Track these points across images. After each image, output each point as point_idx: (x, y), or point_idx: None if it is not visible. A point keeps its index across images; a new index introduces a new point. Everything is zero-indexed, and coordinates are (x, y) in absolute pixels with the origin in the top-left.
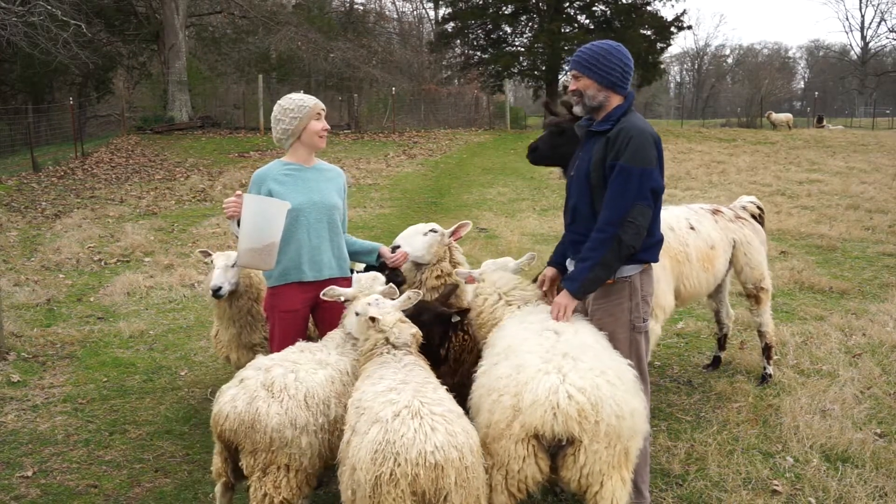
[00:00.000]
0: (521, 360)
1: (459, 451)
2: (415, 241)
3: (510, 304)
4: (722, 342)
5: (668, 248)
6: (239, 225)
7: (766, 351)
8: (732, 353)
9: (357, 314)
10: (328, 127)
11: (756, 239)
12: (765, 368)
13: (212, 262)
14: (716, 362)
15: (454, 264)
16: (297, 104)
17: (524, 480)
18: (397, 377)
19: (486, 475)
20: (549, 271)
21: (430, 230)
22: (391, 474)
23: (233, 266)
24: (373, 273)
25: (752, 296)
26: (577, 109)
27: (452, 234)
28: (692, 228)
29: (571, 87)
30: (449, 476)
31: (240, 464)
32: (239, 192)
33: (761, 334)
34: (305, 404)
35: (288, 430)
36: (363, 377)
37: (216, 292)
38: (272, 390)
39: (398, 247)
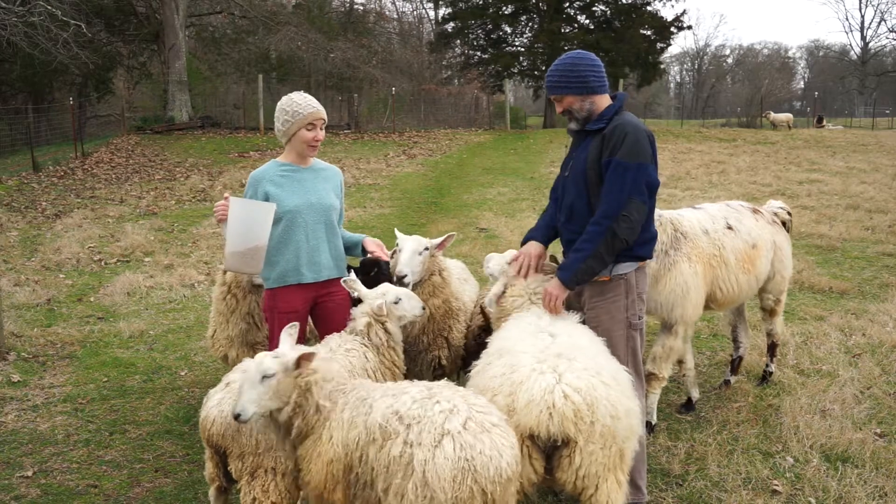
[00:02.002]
0: (514, 360)
1: (517, 462)
2: (414, 263)
3: (534, 304)
4: (736, 365)
5: (702, 254)
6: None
7: (772, 349)
8: (732, 352)
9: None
10: (320, 137)
11: (788, 248)
12: (767, 366)
13: None
14: (725, 385)
15: (439, 273)
16: (293, 108)
17: (519, 481)
18: (418, 383)
19: None
20: (535, 248)
21: (425, 248)
22: (471, 493)
23: None
24: (386, 288)
25: (769, 310)
26: (572, 126)
27: (439, 245)
28: (730, 228)
29: (558, 109)
30: (511, 487)
31: (229, 468)
32: (227, 194)
33: (770, 334)
34: None
35: None
36: (373, 387)
37: None
38: None
39: (405, 276)
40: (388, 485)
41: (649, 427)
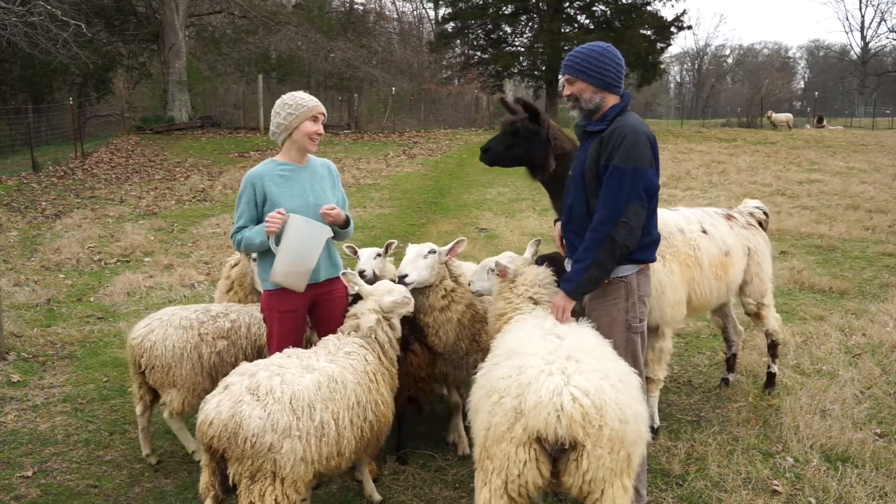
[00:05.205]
0: (522, 362)
1: None
2: (419, 265)
3: (534, 301)
4: (731, 363)
5: (677, 253)
6: (277, 243)
7: (772, 348)
8: (725, 351)
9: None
10: (321, 131)
11: (766, 249)
12: (769, 367)
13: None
14: (724, 384)
15: (454, 279)
16: (297, 101)
17: (525, 485)
18: None
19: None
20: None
21: (430, 251)
22: None
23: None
24: (388, 285)
25: (753, 314)
26: (573, 113)
27: (449, 251)
28: (705, 232)
29: (566, 91)
30: None
31: (227, 472)
32: (282, 209)
33: (767, 334)
34: (291, 408)
35: (269, 435)
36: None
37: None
38: (258, 394)
39: (406, 276)
40: None
41: (653, 430)
